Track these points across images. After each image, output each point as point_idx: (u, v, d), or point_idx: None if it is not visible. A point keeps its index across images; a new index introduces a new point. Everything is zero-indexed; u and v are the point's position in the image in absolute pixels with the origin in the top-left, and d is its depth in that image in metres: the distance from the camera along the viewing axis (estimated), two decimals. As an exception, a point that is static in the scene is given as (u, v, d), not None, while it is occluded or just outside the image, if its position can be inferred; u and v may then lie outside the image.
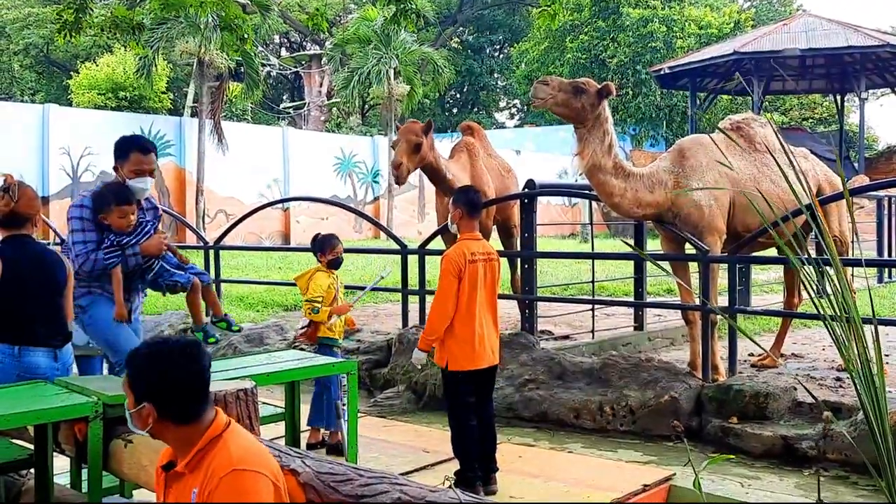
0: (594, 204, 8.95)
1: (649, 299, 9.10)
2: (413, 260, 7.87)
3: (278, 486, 2.31)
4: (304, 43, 39.71)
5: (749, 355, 7.22)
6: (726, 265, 6.32)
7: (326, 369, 4.44)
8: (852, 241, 7.19)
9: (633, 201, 6.19)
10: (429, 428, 5.99)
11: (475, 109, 41.75)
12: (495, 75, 42.20)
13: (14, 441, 3.51)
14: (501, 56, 42.29)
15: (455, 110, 41.73)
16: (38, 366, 3.86)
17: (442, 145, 7.70)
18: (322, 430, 5.53)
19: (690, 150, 6.45)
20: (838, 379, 6.31)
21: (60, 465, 3.37)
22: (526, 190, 7.56)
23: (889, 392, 2.81)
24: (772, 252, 7.12)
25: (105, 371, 5.09)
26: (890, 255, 12.29)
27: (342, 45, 26.47)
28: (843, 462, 5.00)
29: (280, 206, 22.90)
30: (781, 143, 3.92)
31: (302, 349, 5.51)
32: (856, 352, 2.45)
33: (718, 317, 6.17)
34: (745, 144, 6.71)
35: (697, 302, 6.36)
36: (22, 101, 30.90)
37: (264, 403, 4.08)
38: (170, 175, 21.47)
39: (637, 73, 30.19)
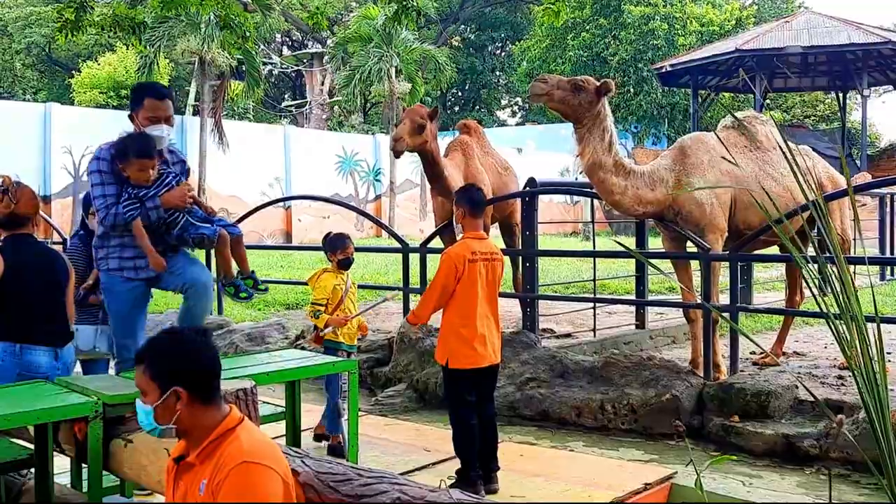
0: (596, 202, 8.93)
1: (651, 297, 9.09)
2: (415, 258, 7.88)
3: (288, 485, 2.29)
4: (306, 41, 39.73)
5: (751, 353, 7.22)
6: (728, 263, 6.30)
7: (327, 368, 4.43)
8: (855, 239, 7.17)
9: (633, 199, 6.17)
10: (430, 427, 5.97)
11: (477, 107, 41.76)
12: (497, 73, 42.21)
13: (14, 441, 3.51)
14: (503, 54, 42.29)
15: (457, 108, 41.76)
16: (38, 364, 3.86)
17: (442, 143, 7.67)
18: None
19: (692, 148, 6.43)
20: (840, 377, 6.31)
21: (60, 464, 3.37)
22: (527, 188, 7.55)
23: (891, 390, 2.80)
24: (773, 250, 7.10)
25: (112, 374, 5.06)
26: (892, 252, 12.25)
27: (343, 43, 26.48)
28: (845, 460, 4.98)
29: (282, 204, 22.91)
30: (784, 140, 3.90)
31: (303, 348, 5.50)
32: (858, 350, 2.44)
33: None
34: (747, 142, 6.69)
35: (699, 300, 6.35)
36: (24, 99, 30.98)
37: (264, 403, 4.07)
38: (171, 174, 21.49)
39: (639, 70, 30.18)
